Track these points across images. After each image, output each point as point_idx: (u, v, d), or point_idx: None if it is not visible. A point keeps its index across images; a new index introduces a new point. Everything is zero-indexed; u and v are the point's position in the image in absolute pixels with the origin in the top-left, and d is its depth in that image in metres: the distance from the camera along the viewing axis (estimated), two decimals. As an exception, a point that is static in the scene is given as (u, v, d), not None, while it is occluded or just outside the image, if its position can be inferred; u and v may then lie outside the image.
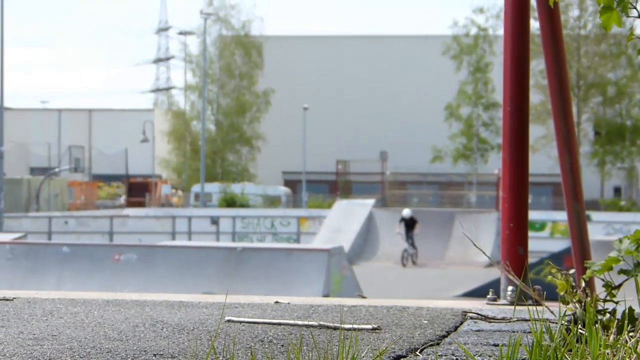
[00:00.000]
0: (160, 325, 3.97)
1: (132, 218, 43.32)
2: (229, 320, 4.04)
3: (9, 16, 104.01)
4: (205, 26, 61.84)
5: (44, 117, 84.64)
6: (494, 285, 5.09)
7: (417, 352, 3.42)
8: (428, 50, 73.71)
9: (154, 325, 3.98)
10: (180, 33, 72.92)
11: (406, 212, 36.34)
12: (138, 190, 67.89)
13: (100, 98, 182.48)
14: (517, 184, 4.83)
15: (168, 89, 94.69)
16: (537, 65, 32.63)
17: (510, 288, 4.73)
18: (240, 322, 4.03)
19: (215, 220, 40.94)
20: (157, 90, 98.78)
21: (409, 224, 35.51)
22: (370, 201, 40.07)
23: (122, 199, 68.00)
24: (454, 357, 3.34)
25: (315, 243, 32.61)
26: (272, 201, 58.64)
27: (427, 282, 28.54)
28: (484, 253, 4.16)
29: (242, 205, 51.85)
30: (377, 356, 3.25)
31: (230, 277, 19.65)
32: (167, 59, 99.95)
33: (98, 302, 4.72)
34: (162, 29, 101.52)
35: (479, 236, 32.38)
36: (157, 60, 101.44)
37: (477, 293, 20.19)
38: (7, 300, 4.75)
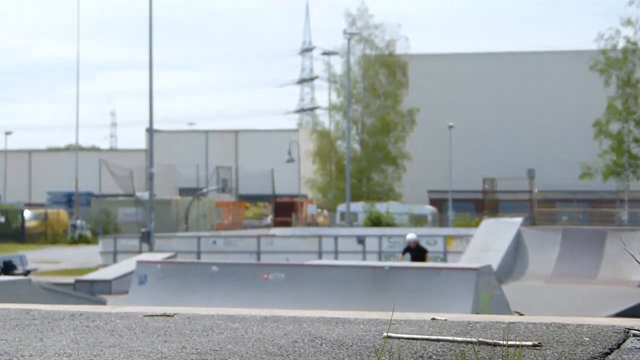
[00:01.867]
0: (319, 341, 3.98)
1: (279, 238, 43.71)
2: (388, 337, 4.03)
3: (156, 42, 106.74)
4: (349, 46, 62.11)
5: (191, 138, 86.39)
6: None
7: (583, 370, 3.35)
8: (573, 66, 72.52)
9: (312, 340, 4.00)
10: (324, 53, 73.47)
11: (411, 236, 28.82)
12: (284, 210, 68.56)
13: (245, 119, 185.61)
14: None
15: (312, 109, 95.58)
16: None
17: (674, 305, 4.59)
18: (399, 338, 4.01)
19: (361, 240, 40.98)
20: (301, 110, 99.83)
21: (416, 253, 27.93)
22: (519, 219, 39.42)
23: (269, 219, 68.76)
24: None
25: (463, 262, 32.29)
26: (418, 220, 58.46)
27: (578, 300, 27.96)
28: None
29: (388, 225, 51.84)
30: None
31: (377, 296, 19.61)
32: (311, 79, 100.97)
33: (256, 318, 4.76)
34: (306, 50, 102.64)
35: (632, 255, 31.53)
36: (302, 81, 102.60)
37: (633, 312, 19.65)
38: (168, 316, 4.85)
